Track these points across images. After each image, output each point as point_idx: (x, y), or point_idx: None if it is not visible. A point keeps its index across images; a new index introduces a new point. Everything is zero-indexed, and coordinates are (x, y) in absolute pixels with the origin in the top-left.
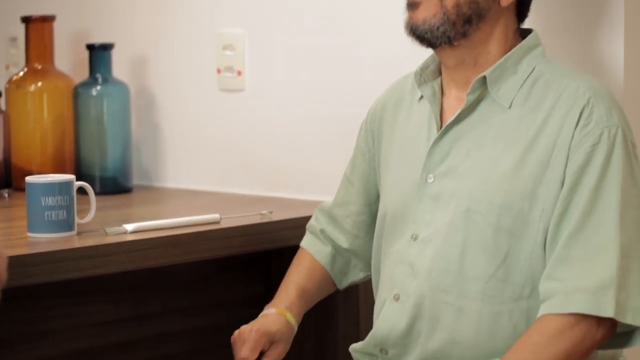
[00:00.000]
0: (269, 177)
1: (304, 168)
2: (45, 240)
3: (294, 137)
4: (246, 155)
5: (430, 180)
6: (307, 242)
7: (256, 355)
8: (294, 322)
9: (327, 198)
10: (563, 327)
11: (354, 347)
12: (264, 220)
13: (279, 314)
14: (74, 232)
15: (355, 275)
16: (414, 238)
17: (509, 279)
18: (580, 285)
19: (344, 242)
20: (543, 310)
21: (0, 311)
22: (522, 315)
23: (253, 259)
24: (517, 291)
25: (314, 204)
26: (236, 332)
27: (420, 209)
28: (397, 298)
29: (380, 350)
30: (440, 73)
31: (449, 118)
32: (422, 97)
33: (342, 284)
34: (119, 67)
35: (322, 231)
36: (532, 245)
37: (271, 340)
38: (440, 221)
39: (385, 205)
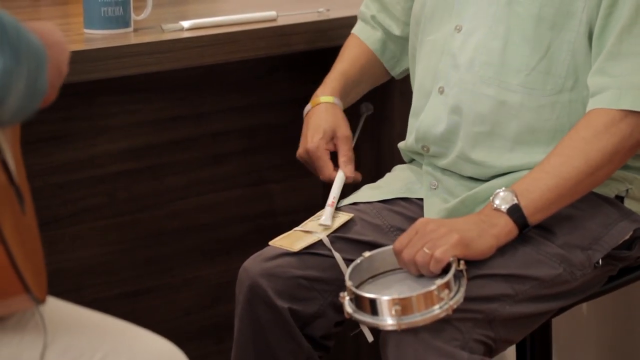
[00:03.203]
0: None
1: None
2: (101, 36)
3: None
4: None
5: None
6: (358, 29)
7: (331, 166)
8: (330, 99)
9: None
10: (611, 121)
11: (401, 145)
12: (320, 18)
13: (313, 106)
14: (131, 29)
15: (407, 62)
16: (458, 29)
17: (551, 71)
18: (633, 81)
19: (395, 29)
20: (593, 104)
21: (58, 108)
22: (564, 108)
23: (309, 57)
24: (560, 83)
25: None
26: (302, 153)
27: (463, 0)
28: (441, 91)
29: (422, 147)
30: None
31: None
32: None
33: (396, 71)
34: None
35: (372, 17)
36: (575, 37)
37: (329, 139)
38: (483, 13)
39: None
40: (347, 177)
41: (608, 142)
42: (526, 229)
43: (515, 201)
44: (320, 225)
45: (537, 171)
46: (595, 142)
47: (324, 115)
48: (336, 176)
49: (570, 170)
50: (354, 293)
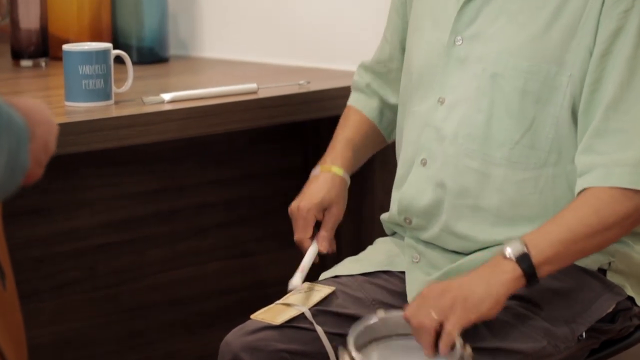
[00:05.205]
0: (307, 46)
1: (343, 38)
2: (82, 109)
3: (332, 4)
4: (284, 25)
5: (458, 43)
6: (354, 99)
7: (309, 233)
8: (341, 172)
9: None
10: (610, 199)
11: (383, 217)
12: (301, 90)
13: (324, 172)
14: (112, 102)
15: None
16: (441, 102)
17: (535, 145)
18: (620, 158)
19: (391, 96)
20: (583, 184)
21: (39, 181)
22: (547, 183)
23: (290, 129)
24: (543, 157)
25: (353, 74)
26: (294, 207)
27: (447, 72)
28: (424, 163)
29: (405, 219)
30: None
31: None
32: None
33: (392, 137)
34: None
35: (367, 85)
36: (559, 111)
37: (322, 208)
38: (466, 86)
39: (410, 64)
40: (319, 252)
41: (622, 206)
42: (533, 280)
43: (525, 250)
44: (290, 291)
45: (549, 224)
46: (610, 203)
47: (328, 186)
48: (310, 247)
49: (582, 227)
50: None
